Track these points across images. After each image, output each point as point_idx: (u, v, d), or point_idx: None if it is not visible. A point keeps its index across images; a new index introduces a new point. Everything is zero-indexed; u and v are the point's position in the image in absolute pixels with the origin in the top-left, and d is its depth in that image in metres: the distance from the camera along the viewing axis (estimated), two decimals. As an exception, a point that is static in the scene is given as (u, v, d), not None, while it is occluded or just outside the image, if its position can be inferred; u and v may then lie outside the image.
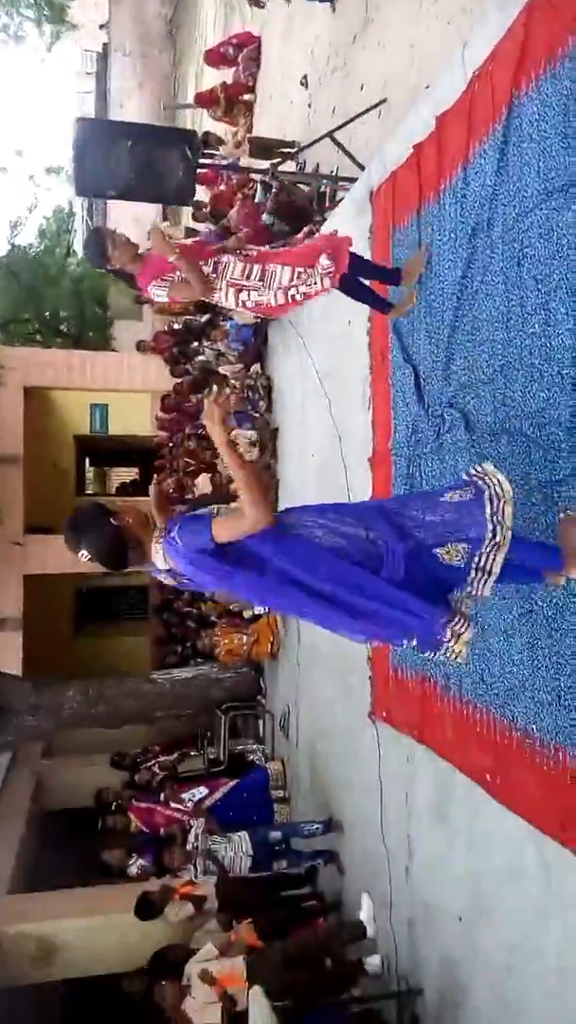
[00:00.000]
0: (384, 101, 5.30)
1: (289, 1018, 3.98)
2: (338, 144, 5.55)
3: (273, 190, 6.84)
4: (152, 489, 2.72)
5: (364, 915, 4.63)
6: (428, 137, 3.70)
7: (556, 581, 2.61)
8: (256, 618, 8.02)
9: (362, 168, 5.11)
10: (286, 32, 8.51)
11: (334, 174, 6.09)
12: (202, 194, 10.08)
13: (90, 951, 5.98)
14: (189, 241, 4.03)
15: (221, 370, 8.76)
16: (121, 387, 12.19)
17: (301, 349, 6.52)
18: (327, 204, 6.51)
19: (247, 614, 8.20)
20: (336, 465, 5.35)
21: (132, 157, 4.94)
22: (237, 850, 5.39)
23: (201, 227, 9.69)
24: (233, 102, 10.03)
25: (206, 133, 9.55)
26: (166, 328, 11.60)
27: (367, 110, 5.34)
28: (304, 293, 3.75)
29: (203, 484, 9.41)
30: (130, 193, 5.17)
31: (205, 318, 9.84)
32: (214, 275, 3.79)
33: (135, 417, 13.56)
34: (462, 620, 2.40)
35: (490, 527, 2.32)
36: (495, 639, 3.11)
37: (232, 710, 8.18)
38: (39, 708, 7.66)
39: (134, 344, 12.59)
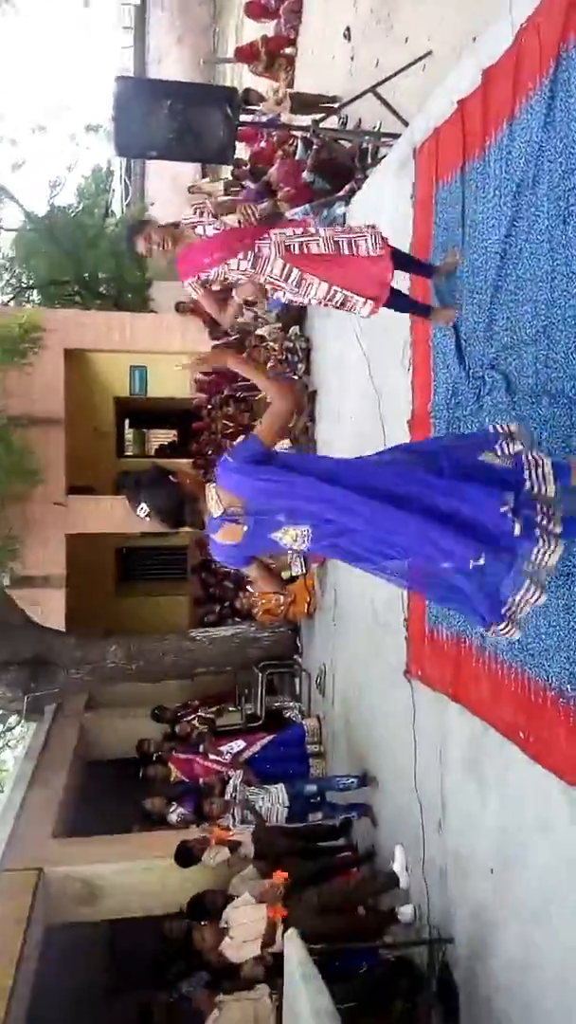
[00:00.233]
0: (429, 54, 5.18)
1: (323, 961, 4.14)
2: (381, 99, 5.46)
3: (314, 147, 6.76)
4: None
5: (397, 866, 4.77)
6: (473, 92, 3.63)
7: None
8: (293, 579, 8.12)
9: (406, 124, 5.02)
10: (329, -18, 8.31)
11: (377, 130, 6.00)
12: (242, 151, 9.97)
13: (131, 893, 6.24)
14: (226, 225, 3.96)
15: (260, 332, 8.76)
16: (160, 349, 12.23)
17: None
18: (369, 161, 6.42)
19: (285, 575, 8.30)
20: (374, 427, 5.36)
21: (172, 116, 4.93)
22: (274, 801, 5.56)
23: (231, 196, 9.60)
24: (274, 56, 9.85)
25: (247, 90, 9.41)
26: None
27: (411, 64, 5.23)
28: (339, 305, 3.89)
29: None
30: (170, 153, 5.17)
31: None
32: (252, 270, 3.82)
33: (174, 379, 13.63)
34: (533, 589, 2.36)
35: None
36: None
37: (269, 668, 8.35)
38: (82, 662, 7.90)
39: (173, 305, 12.60)
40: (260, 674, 8.21)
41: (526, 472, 2.33)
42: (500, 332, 3.44)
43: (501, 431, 2.46)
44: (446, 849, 4.09)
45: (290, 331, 8.14)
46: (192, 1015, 4.74)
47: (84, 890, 6.08)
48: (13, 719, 9.01)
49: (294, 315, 8.24)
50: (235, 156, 7.71)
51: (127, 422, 17.39)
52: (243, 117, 6.81)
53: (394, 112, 5.41)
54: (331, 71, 7.99)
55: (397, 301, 3.99)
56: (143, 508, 2.53)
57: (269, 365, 8.24)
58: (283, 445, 7.50)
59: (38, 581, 10.75)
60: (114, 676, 8.20)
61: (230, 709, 8.76)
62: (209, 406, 11.61)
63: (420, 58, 5.21)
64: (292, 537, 2.48)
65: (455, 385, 3.91)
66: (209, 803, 5.73)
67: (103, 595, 14.06)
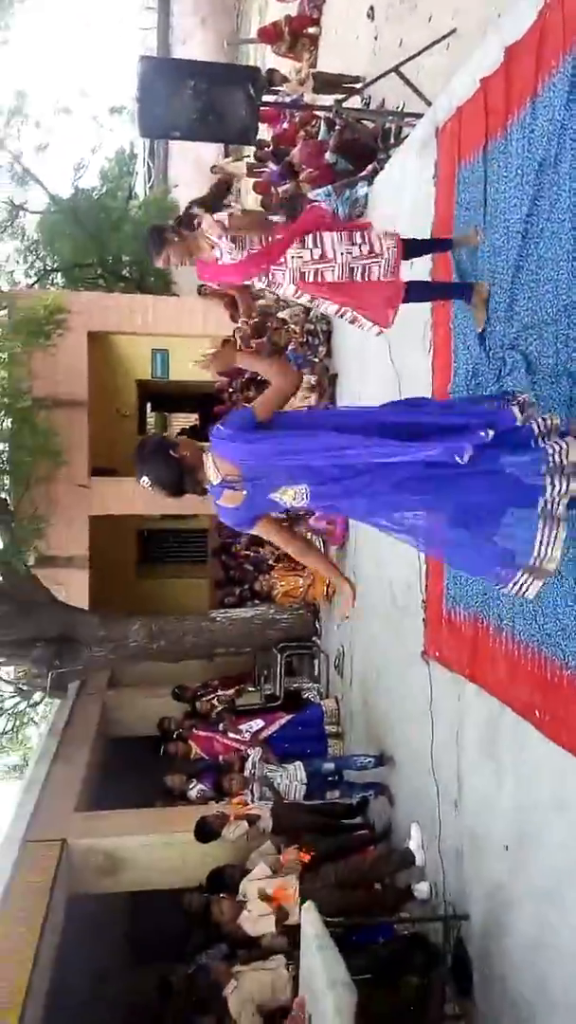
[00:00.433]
0: (453, 32, 5.12)
1: (340, 935, 4.21)
2: (404, 79, 5.41)
3: (337, 127, 6.73)
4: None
5: (413, 844, 4.82)
6: (496, 71, 3.60)
7: None
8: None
9: (429, 103, 4.99)
10: (353, -40, 8.22)
11: (400, 110, 5.95)
12: (264, 133, 9.92)
13: (152, 866, 6.38)
14: (243, 251, 3.90)
15: (281, 315, 8.76)
16: (182, 332, 12.27)
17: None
18: (392, 141, 6.38)
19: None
20: (395, 409, 5.36)
21: (195, 96, 4.92)
22: (292, 778, 5.64)
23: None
24: (297, 36, 9.77)
25: (270, 71, 9.35)
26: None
27: (435, 42, 5.17)
28: (350, 322, 4.00)
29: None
30: (193, 133, 5.16)
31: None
32: (265, 288, 3.87)
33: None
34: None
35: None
36: (548, 580, 3.14)
37: (288, 649, 8.42)
38: (105, 640, 8.03)
39: (195, 288, 12.61)
40: (279, 655, 8.28)
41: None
42: (521, 312, 3.43)
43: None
44: (462, 828, 4.14)
45: (311, 314, 8.14)
46: (211, 986, 4.85)
47: (106, 862, 6.23)
48: (38, 695, 9.16)
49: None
50: (258, 137, 7.70)
51: (149, 405, 17.47)
52: (266, 98, 6.78)
53: (417, 92, 5.37)
54: (354, 51, 7.92)
55: (431, 294, 4.08)
56: (145, 480, 2.65)
57: (290, 348, 8.25)
58: (310, 400, 7.51)
59: (61, 561, 10.89)
60: (136, 655, 8.32)
61: (249, 689, 8.86)
62: (230, 389, 11.64)
63: (444, 37, 5.15)
64: (291, 496, 2.57)
65: (475, 366, 3.90)
66: (228, 779, 5.83)
67: (125, 577, 14.21)
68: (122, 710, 9.38)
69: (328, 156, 6.92)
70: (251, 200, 13.18)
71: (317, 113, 7.39)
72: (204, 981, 4.98)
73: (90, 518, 11.40)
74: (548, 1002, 3.03)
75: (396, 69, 5.44)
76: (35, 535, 10.01)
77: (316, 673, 8.28)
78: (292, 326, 8.30)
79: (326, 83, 7.86)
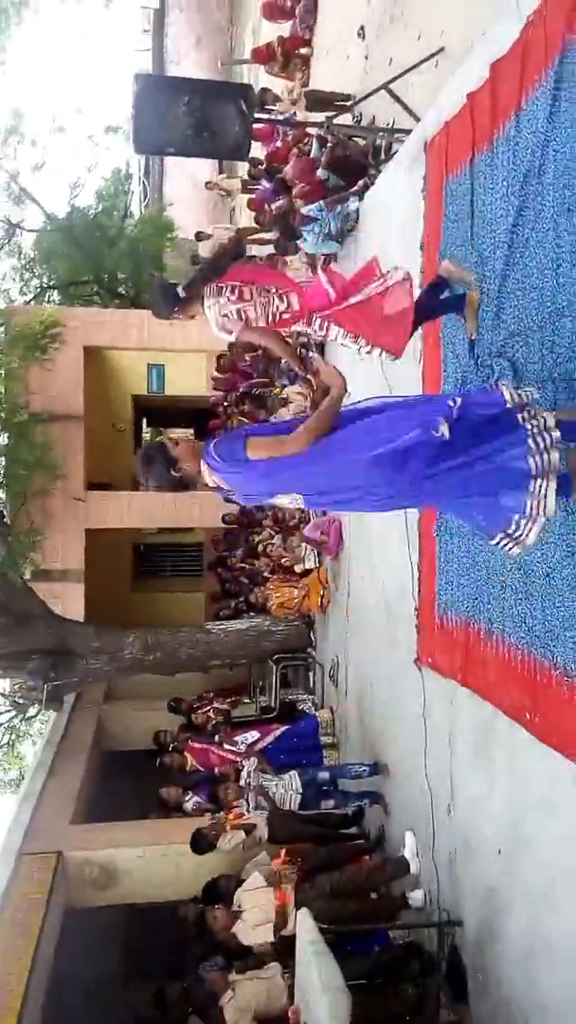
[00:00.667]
0: (441, 51, 5.23)
1: (336, 942, 4.21)
2: (394, 96, 5.52)
3: (328, 144, 6.83)
4: None
5: (408, 852, 4.83)
6: (482, 86, 3.69)
7: None
8: (307, 572, 8.20)
9: (418, 120, 5.09)
10: (344, -19, 8.38)
11: (390, 127, 6.06)
12: (258, 151, 10.06)
13: (147, 878, 6.36)
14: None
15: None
16: (177, 347, 12.36)
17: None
18: (383, 157, 6.48)
19: (298, 568, 8.39)
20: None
21: (189, 113, 5.02)
22: (287, 788, 5.64)
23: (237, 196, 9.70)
24: (290, 57, 9.94)
25: (263, 90, 9.51)
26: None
27: (423, 60, 5.28)
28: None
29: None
30: (187, 149, 5.27)
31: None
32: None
33: (191, 378, 13.76)
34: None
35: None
36: (537, 582, 3.19)
37: (283, 661, 8.43)
38: (101, 652, 8.03)
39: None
40: (275, 667, 8.29)
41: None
42: (508, 320, 3.49)
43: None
44: (455, 834, 4.15)
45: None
46: (207, 997, 4.83)
47: (101, 875, 6.21)
48: (33, 708, 9.16)
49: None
50: (251, 155, 7.80)
51: (145, 420, 17.55)
52: (259, 116, 6.90)
53: (407, 108, 5.47)
54: (346, 70, 8.06)
55: (429, 314, 4.10)
56: (147, 485, 2.78)
57: (284, 361, 8.32)
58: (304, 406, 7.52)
59: (57, 575, 10.90)
60: (131, 667, 8.32)
61: (245, 701, 8.87)
62: (225, 403, 11.72)
63: (432, 55, 5.26)
64: (287, 501, 2.72)
65: (464, 374, 3.97)
66: (224, 789, 5.83)
67: (120, 591, 14.21)
68: (117, 723, 9.38)
69: (320, 172, 7.02)
70: (245, 218, 13.34)
71: (309, 131, 7.50)
72: (200, 992, 4.97)
73: (86, 532, 11.42)
74: (539, 1004, 3.05)
75: (386, 86, 5.55)
76: (31, 548, 10.03)
77: (311, 684, 8.28)
78: (287, 338, 8.37)
79: (318, 101, 7.98)
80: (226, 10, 21.76)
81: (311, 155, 7.40)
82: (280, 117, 8.62)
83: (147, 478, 2.75)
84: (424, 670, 4.65)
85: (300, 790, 5.66)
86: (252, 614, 9.28)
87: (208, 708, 8.43)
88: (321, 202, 6.74)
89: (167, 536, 14.53)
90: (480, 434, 2.48)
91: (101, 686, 9.60)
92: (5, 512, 10.15)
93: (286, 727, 7.24)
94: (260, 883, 5.10)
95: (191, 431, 20.12)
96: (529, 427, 2.48)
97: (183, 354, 13.10)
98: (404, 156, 5.18)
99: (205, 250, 10.92)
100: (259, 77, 11.63)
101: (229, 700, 8.73)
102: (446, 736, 4.27)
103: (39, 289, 16.70)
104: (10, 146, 17.13)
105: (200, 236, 11.51)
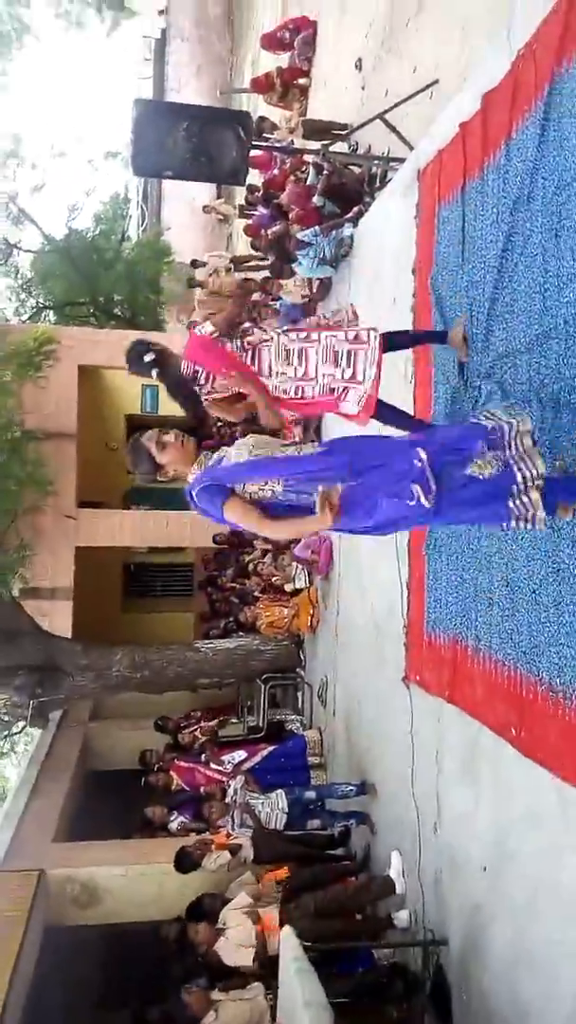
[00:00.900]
0: (436, 83, 5.38)
1: (320, 961, 4.18)
2: (389, 125, 5.67)
3: (325, 172, 6.98)
4: None
5: (394, 872, 4.81)
6: (474, 116, 3.81)
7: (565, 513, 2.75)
8: (297, 592, 8.23)
9: (412, 148, 5.22)
10: (341, 16, 8.60)
11: (385, 155, 6.21)
12: (256, 178, 10.25)
13: (130, 898, 6.29)
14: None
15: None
16: (171, 368, 12.42)
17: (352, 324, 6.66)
18: (378, 185, 6.63)
19: (288, 588, 8.41)
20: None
21: (187, 137, 5.13)
22: (273, 807, 5.62)
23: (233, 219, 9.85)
24: (288, 87, 10.16)
25: (260, 118, 9.71)
26: (216, 310, 11.82)
27: (418, 92, 5.43)
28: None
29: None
30: (185, 173, 5.37)
31: (254, 297, 10.02)
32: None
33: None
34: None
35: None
36: (523, 599, 3.24)
37: (272, 681, 8.42)
38: (88, 669, 8.00)
39: (185, 328, 12.84)
40: (263, 686, 8.28)
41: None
42: (496, 342, 3.58)
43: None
44: (441, 852, 4.15)
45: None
46: (188, 1019, 4.77)
47: (83, 893, 6.14)
48: (19, 725, 9.09)
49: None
50: (249, 182, 7.94)
51: (138, 439, 17.56)
52: (257, 143, 7.05)
53: (402, 138, 5.61)
54: (343, 100, 8.25)
55: (410, 342, 4.27)
56: (137, 476, 2.92)
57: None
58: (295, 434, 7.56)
59: (46, 593, 10.88)
60: (119, 685, 8.29)
61: (232, 721, 8.83)
62: (219, 423, 11.77)
63: (427, 87, 5.42)
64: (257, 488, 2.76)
65: (454, 395, 4.04)
66: (208, 807, 5.80)
67: (110, 611, 14.15)
68: (103, 742, 9.31)
69: (316, 199, 7.17)
70: (242, 244, 13.51)
71: (306, 159, 7.66)
72: (182, 1013, 4.90)
73: (76, 550, 11.41)
74: (522, 1012, 3.04)
75: (381, 116, 5.70)
76: (20, 564, 10.01)
77: (300, 704, 8.27)
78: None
79: (315, 130, 8.16)
80: (227, 41, 22.23)
81: (308, 182, 7.56)
82: (278, 145, 8.80)
83: (136, 468, 2.89)
84: (412, 688, 4.68)
85: (286, 809, 5.64)
86: (242, 633, 9.28)
87: (195, 728, 8.39)
88: (316, 227, 6.87)
89: (158, 556, 14.51)
90: (462, 503, 2.58)
91: (87, 704, 9.54)
92: (-5, 528, 10.14)
93: (273, 747, 7.22)
94: (246, 902, 5.07)
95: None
96: (516, 482, 2.54)
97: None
98: (398, 184, 5.30)
99: (201, 276, 11.08)
100: (258, 106, 11.87)
101: (216, 720, 8.69)
102: (433, 754, 4.28)
103: (35, 309, 16.85)
104: (10, 168, 17.36)
105: (196, 264, 11.69)
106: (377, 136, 6.44)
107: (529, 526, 2.55)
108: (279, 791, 5.82)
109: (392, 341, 3.90)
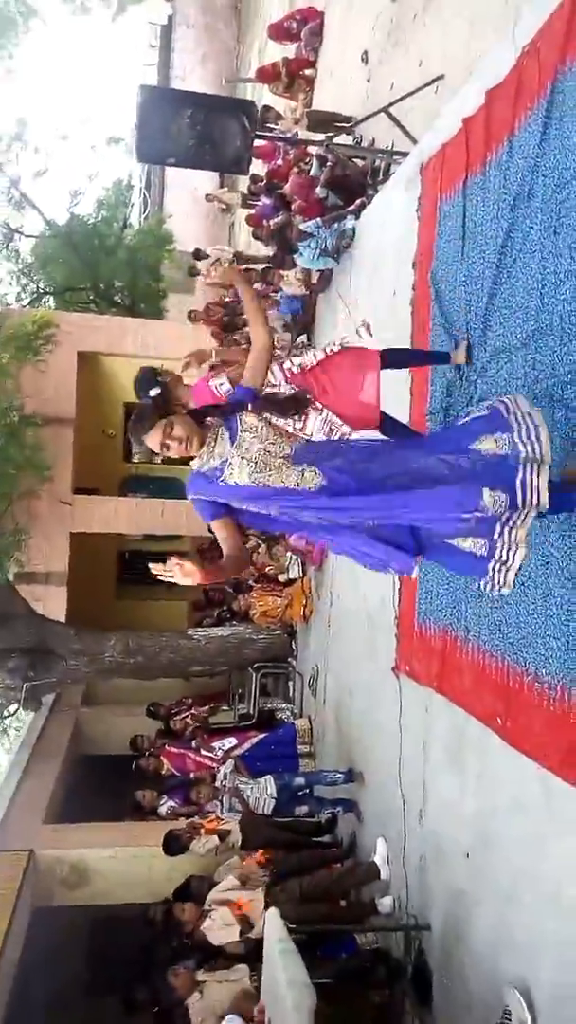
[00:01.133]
0: (441, 77, 5.40)
1: (303, 946, 4.25)
2: (393, 119, 5.68)
3: (328, 164, 7.00)
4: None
5: (379, 858, 4.88)
6: (477, 112, 3.83)
7: None
8: (291, 582, 8.27)
9: (415, 142, 5.24)
10: (348, 8, 8.59)
11: (389, 149, 6.22)
12: (259, 168, 10.25)
13: (119, 879, 6.36)
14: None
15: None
16: (171, 355, 12.43)
17: (347, 320, 6.70)
18: (381, 178, 6.64)
19: (282, 578, 8.46)
20: (373, 434, 5.53)
21: (192, 125, 5.15)
22: (262, 792, 5.68)
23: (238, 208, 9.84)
24: (294, 77, 10.14)
25: (265, 108, 9.70)
26: (217, 300, 11.83)
27: (423, 86, 5.45)
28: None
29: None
30: (188, 160, 5.39)
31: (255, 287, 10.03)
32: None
33: (184, 386, 13.80)
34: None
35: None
36: (513, 590, 3.28)
37: (264, 670, 8.47)
38: (81, 653, 8.04)
39: (185, 315, 12.84)
40: (255, 675, 8.33)
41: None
42: (493, 337, 3.61)
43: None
44: (426, 839, 4.21)
45: (298, 340, 8.35)
46: (174, 999, 4.83)
47: (72, 874, 6.20)
48: (12, 708, 9.13)
49: (303, 324, 8.46)
50: (252, 172, 7.95)
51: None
52: (261, 133, 7.05)
53: (405, 131, 5.63)
54: (349, 92, 8.25)
55: (411, 362, 4.32)
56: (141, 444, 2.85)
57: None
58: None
59: (40, 578, 10.89)
60: (112, 670, 8.33)
61: (223, 708, 8.89)
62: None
63: (432, 81, 5.43)
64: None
65: (450, 389, 4.08)
66: (197, 792, 5.85)
67: (104, 597, 14.18)
68: (95, 727, 9.37)
69: (319, 191, 7.18)
70: (244, 234, 13.50)
71: (310, 150, 7.67)
72: (167, 994, 4.96)
73: (71, 537, 11.42)
74: (500, 997, 3.10)
75: (386, 110, 5.72)
76: (16, 548, 10.03)
77: (291, 694, 8.33)
78: (279, 352, 8.49)
79: (319, 122, 8.16)
80: (233, 29, 22.12)
81: (311, 173, 7.57)
82: (282, 135, 8.80)
83: (136, 438, 2.82)
84: (401, 678, 4.73)
85: (275, 794, 5.70)
86: (235, 622, 9.33)
87: (187, 714, 8.45)
88: (319, 219, 6.89)
89: (153, 543, 14.53)
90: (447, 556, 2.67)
91: (80, 689, 9.59)
92: (-10, 511, 10.15)
93: (264, 734, 7.29)
94: (234, 884, 5.13)
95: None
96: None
97: (177, 362, 13.16)
98: (401, 177, 5.33)
99: (203, 267, 11.10)
100: (263, 96, 11.84)
101: (208, 707, 8.75)
102: (420, 743, 4.34)
103: (36, 294, 16.80)
104: (13, 152, 17.28)
105: (199, 254, 11.68)
106: (381, 129, 6.45)
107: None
108: (268, 776, 5.88)
109: (392, 357, 3.96)
